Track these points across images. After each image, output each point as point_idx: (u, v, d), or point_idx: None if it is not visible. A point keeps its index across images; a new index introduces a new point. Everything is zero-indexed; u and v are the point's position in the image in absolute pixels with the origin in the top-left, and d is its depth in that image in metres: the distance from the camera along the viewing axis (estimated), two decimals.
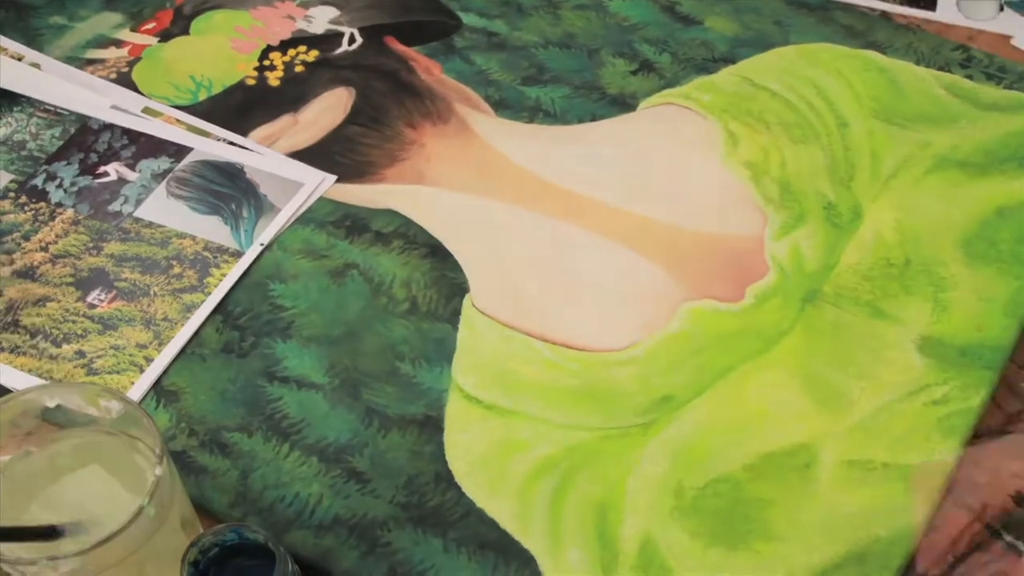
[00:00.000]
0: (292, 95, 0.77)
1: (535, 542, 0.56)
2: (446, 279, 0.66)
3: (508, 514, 0.56)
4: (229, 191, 0.71)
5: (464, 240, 0.68)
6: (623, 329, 0.63)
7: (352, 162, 0.73)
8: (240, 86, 0.78)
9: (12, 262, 0.68)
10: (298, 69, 0.79)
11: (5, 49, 0.81)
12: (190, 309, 0.65)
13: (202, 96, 0.78)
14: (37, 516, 0.48)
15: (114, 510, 0.46)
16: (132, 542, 0.47)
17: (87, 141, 0.75)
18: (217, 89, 0.78)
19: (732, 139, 0.72)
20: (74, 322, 0.65)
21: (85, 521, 0.47)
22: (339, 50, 0.81)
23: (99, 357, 0.63)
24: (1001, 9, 0.82)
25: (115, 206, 0.71)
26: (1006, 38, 0.80)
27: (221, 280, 0.67)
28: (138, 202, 0.71)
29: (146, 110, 0.77)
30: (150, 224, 0.70)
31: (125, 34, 0.82)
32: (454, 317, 0.65)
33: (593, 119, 0.75)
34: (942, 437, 0.58)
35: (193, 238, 0.69)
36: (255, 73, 0.79)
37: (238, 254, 0.68)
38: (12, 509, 0.48)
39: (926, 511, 0.55)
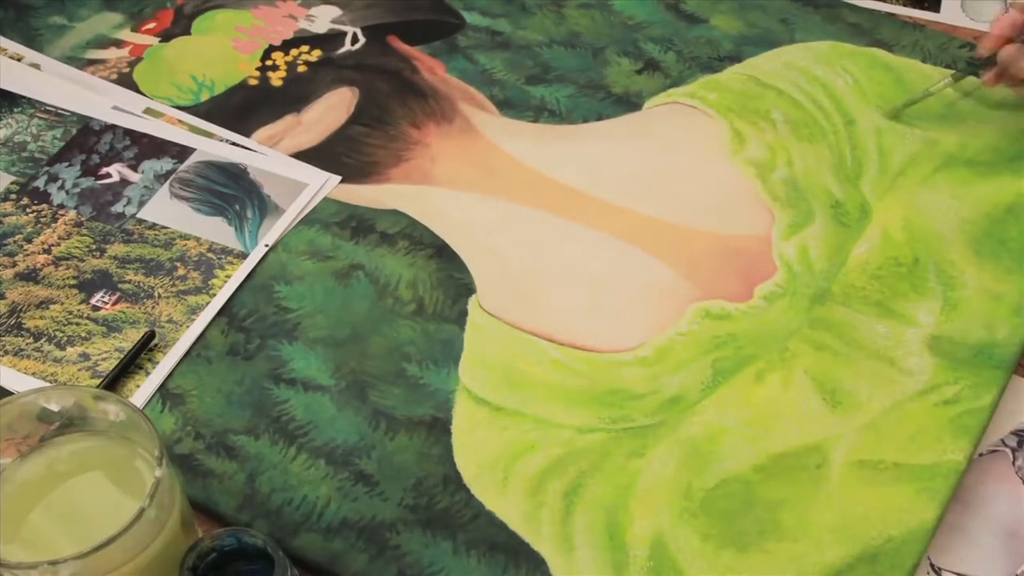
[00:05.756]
0: (295, 95, 0.77)
1: (545, 544, 0.55)
2: (452, 280, 0.66)
3: (518, 516, 0.56)
4: (233, 192, 0.71)
5: (470, 240, 0.68)
6: (631, 329, 0.63)
7: (356, 162, 0.73)
8: (242, 86, 0.78)
9: (14, 264, 0.68)
10: (300, 69, 0.79)
11: (4, 49, 0.81)
12: (195, 311, 0.65)
13: (204, 96, 0.77)
14: (37, 521, 0.48)
15: (113, 514, 0.46)
16: (133, 545, 0.46)
17: (89, 142, 0.74)
18: (219, 89, 0.78)
19: (738, 138, 0.72)
20: (78, 324, 0.64)
21: None
22: (342, 50, 0.80)
23: (104, 360, 0.63)
24: (1006, 11, 0.81)
25: (118, 207, 0.71)
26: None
27: (226, 282, 0.66)
28: (141, 203, 0.71)
29: (148, 111, 0.76)
30: (153, 225, 0.69)
31: (126, 34, 0.82)
32: (461, 318, 0.64)
33: (599, 118, 0.75)
34: (953, 437, 0.57)
35: (197, 239, 0.68)
36: (257, 73, 0.79)
37: (243, 255, 0.68)
38: (11, 514, 0.48)
39: (938, 511, 0.55)
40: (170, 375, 0.62)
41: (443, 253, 0.67)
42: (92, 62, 0.80)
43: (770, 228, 0.67)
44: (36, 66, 0.80)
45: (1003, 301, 0.63)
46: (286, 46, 0.80)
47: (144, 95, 0.78)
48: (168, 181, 0.72)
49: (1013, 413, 0.60)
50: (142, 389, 0.61)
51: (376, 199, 0.71)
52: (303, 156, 0.73)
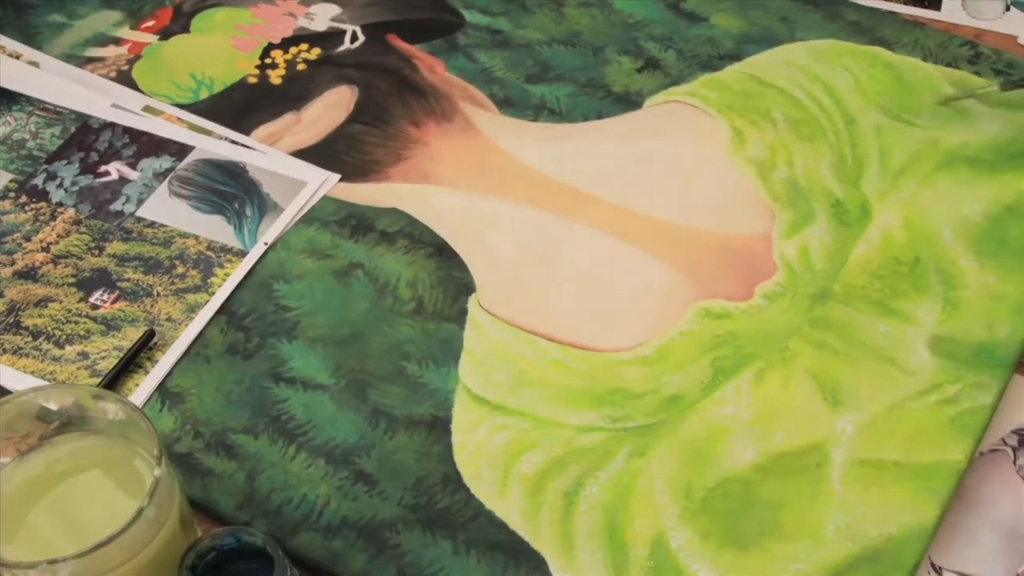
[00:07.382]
0: (294, 93, 0.77)
1: (545, 544, 0.55)
2: (452, 279, 0.66)
3: (518, 515, 0.56)
4: (232, 190, 0.71)
5: (470, 239, 0.68)
6: (631, 329, 0.63)
7: (356, 161, 0.72)
8: (242, 84, 0.78)
9: (13, 263, 0.67)
10: (300, 67, 0.78)
11: (3, 47, 0.80)
12: (194, 309, 0.65)
13: (203, 94, 0.77)
14: (36, 521, 0.48)
15: (113, 513, 0.46)
16: (132, 545, 0.46)
17: (87, 140, 0.74)
18: (218, 87, 0.77)
19: (739, 137, 0.72)
20: (76, 323, 0.64)
21: None
22: (341, 48, 0.80)
23: (102, 358, 0.63)
24: (1007, 9, 0.81)
25: (117, 205, 0.70)
26: (1012, 38, 0.79)
27: (225, 280, 0.66)
28: (140, 201, 0.71)
29: (147, 108, 0.76)
30: (152, 224, 0.69)
31: (125, 32, 0.82)
32: (460, 317, 0.64)
33: (599, 117, 0.75)
34: (954, 436, 0.57)
35: (196, 238, 0.68)
36: (257, 71, 0.78)
37: (242, 254, 0.67)
38: (11, 514, 0.48)
39: (939, 510, 0.55)
40: (169, 374, 0.62)
41: (443, 252, 0.67)
42: (91, 60, 0.80)
43: (770, 227, 0.67)
44: (35, 64, 0.79)
45: (1004, 300, 0.63)
46: (285, 44, 0.80)
47: (143, 93, 0.77)
48: (167, 179, 0.72)
49: (1014, 412, 0.60)
50: (141, 388, 0.61)
51: (375, 198, 0.70)
52: (302, 154, 0.73)
